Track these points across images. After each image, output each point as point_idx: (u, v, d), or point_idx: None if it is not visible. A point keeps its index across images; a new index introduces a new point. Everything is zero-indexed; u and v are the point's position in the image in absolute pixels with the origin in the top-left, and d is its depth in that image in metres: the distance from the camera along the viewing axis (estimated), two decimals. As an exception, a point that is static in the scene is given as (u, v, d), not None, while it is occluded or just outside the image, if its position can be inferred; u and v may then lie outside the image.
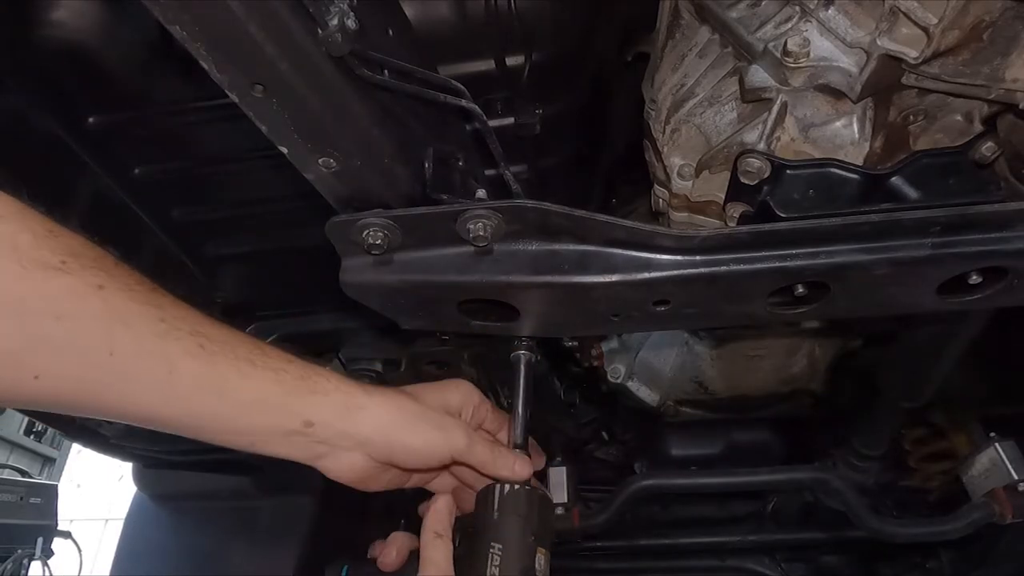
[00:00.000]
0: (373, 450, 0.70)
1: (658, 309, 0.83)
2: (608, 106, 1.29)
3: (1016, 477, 1.55)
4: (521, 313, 0.85)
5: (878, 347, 1.60)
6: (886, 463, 2.06)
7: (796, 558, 2.25)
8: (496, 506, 0.77)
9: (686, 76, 0.96)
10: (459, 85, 0.78)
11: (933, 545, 2.08)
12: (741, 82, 0.85)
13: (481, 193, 0.82)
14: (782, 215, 0.82)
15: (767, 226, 0.75)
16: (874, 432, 1.73)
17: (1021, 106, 0.73)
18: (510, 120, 1.07)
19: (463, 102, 0.77)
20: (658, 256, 0.79)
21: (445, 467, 0.80)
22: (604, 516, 1.73)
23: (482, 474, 0.79)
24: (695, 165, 0.94)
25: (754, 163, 0.84)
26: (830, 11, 0.77)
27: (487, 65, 0.99)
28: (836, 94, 0.81)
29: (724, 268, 0.77)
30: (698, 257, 0.78)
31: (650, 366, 1.70)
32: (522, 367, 0.94)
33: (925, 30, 0.66)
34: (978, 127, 0.83)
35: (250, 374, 0.64)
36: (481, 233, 0.78)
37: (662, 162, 1.02)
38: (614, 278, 0.78)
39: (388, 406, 0.72)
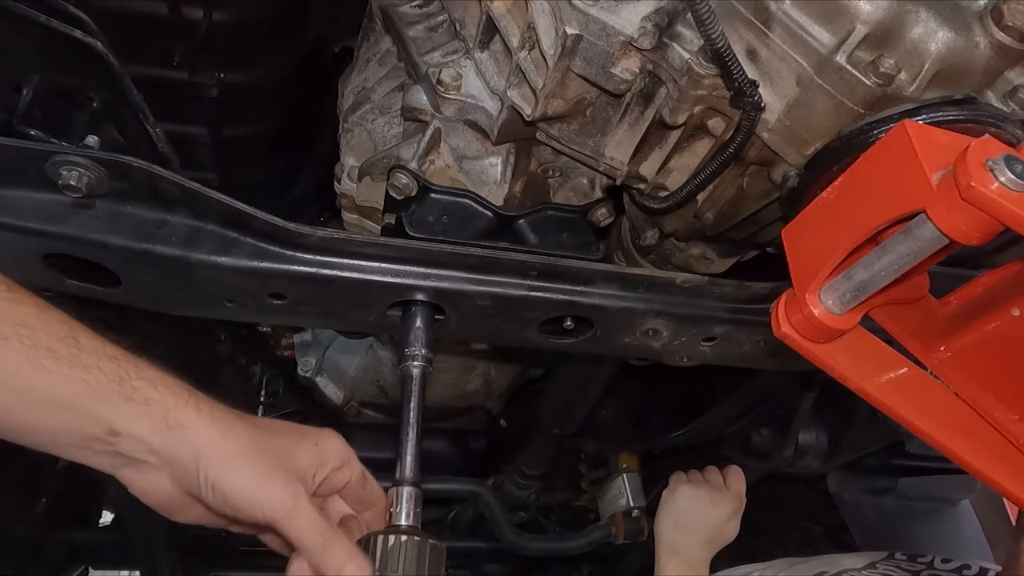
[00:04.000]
0: (183, 476, 0.57)
1: (274, 302, 0.81)
2: (325, 93, 1.26)
3: (632, 504, 1.80)
4: (123, 280, 0.78)
5: (545, 378, 1.76)
6: (563, 484, 2.28)
7: (462, 564, 2.37)
8: (376, 564, 0.61)
9: (366, 80, 0.96)
10: (80, 14, 0.69)
11: (577, 558, 2.32)
12: (403, 99, 0.87)
13: (91, 141, 0.74)
14: (410, 233, 0.85)
15: (382, 239, 0.77)
16: (534, 454, 1.89)
17: (618, 182, 0.84)
18: (185, 75, 0.98)
19: (78, 33, 0.68)
20: (275, 248, 0.77)
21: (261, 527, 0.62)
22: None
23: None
24: (359, 169, 0.95)
25: (402, 179, 0.87)
26: (484, 54, 0.82)
27: (160, 8, 0.90)
28: (484, 133, 0.87)
29: (337, 272, 0.78)
30: (314, 256, 0.78)
31: (337, 364, 1.69)
32: (415, 382, 0.78)
33: (534, 92, 0.73)
34: (599, 193, 0.94)
35: (49, 368, 0.52)
36: (74, 183, 0.69)
37: (339, 160, 1.01)
38: (222, 260, 0.75)
39: (214, 429, 0.57)
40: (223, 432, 0.58)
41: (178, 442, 0.56)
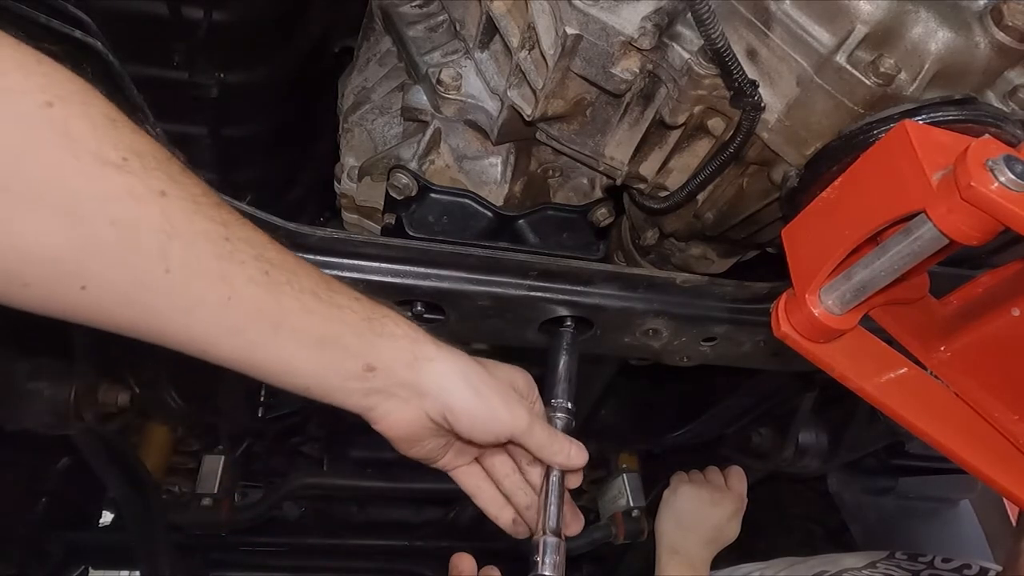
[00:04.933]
0: (432, 407, 0.62)
1: (275, 302, 0.81)
2: (325, 93, 1.27)
3: (632, 504, 1.80)
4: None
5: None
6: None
7: (462, 564, 2.36)
8: None
9: (366, 80, 0.96)
10: (80, 14, 0.69)
11: (577, 558, 2.32)
12: (403, 99, 0.87)
13: (91, 140, 0.73)
14: (410, 233, 0.85)
15: (382, 240, 0.77)
16: (533, 453, 1.89)
17: (618, 182, 0.84)
18: (185, 75, 0.99)
19: (78, 33, 0.68)
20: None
21: (497, 446, 0.70)
22: (255, 511, 1.68)
23: (536, 458, 0.71)
24: (359, 169, 0.95)
25: (402, 179, 0.87)
26: (484, 54, 0.82)
27: (160, 8, 0.91)
28: (484, 133, 0.87)
29: (337, 272, 0.78)
30: (315, 257, 0.78)
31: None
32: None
33: (534, 92, 0.73)
34: (599, 193, 0.94)
35: (314, 309, 0.56)
36: (74, 183, 0.69)
37: (339, 159, 1.01)
38: (222, 261, 0.75)
39: (459, 364, 0.63)
40: (464, 364, 0.64)
41: (429, 375, 0.61)
